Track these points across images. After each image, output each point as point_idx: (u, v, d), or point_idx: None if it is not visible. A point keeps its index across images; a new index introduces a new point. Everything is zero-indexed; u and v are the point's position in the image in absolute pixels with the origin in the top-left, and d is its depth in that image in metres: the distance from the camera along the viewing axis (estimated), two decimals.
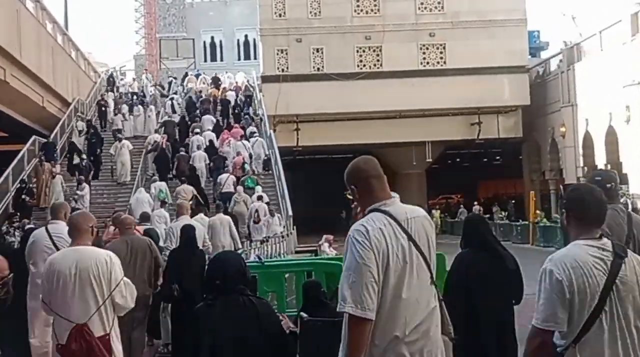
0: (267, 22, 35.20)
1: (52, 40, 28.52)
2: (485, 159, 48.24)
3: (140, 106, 29.90)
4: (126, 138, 25.76)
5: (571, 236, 3.45)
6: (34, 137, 25.63)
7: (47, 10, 28.25)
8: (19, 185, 21.80)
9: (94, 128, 27.49)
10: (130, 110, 29.44)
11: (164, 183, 21.18)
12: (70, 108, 29.79)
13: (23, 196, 20.90)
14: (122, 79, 38.62)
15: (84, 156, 24.17)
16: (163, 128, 26.37)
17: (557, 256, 3.38)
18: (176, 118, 28.31)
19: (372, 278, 3.35)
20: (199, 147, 23.93)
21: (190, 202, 18.79)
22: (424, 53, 35.00)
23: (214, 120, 27.75)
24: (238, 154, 23.62)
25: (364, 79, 34.13)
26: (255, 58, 56.28)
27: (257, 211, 18.67)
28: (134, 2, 70.03)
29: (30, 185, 22.57)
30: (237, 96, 31.32)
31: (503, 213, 30.19)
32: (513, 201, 39.19)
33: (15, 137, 28.40)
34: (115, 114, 28.87)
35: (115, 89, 34.62)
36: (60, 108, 29.70)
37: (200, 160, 23.11)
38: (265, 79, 34.80)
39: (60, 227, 6.66)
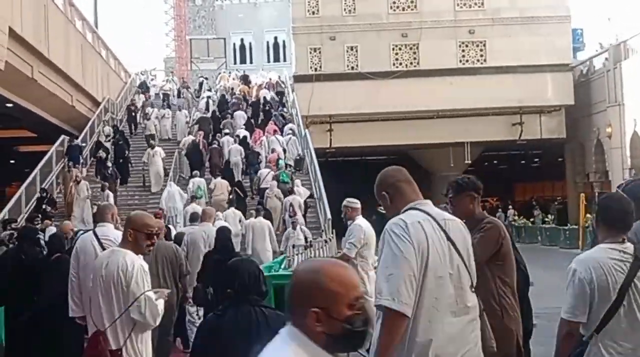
0: (300, 19, 34.02)
1: (81, 38, 27.62)
2: (523, 161, 46.65)
3: (168, 109, 28.84)
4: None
5: (598, 239, 3.71)
6: (62, 136, 24.75)
7: (76, 7, 27.33)
8: (39, 195, 20.30)
9: (121, 132, 26.42)
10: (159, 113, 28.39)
11: (203, 180, 20.21)
12: (100, 108, 29.01)
13: (44, 206, 19.37)
14: (152, 80, 37.66)
15: (110, 157, 23.06)
16: (198, 125, 25.20)
17: (582, 257, 3.67)
18: (209, 115, 27.34)
19: (411, 272, 3.19)
20: (234, 141, 23.35)
21: (230, 196, 19.33)
22: (463, 51, 33.59)
23: (246, 116, 26.90)
24: (273, 151, 22.75)
25: (400, 78, 32.77)
26: (285, 59, 55.85)
27: (291, 204, 18.05)
28: (163, 4, 69.99)
29: (53, 194, 21.48)
30: (269, 92, 30.38)
31: (549, 217, 28.36)
32: (559, 205, 37.33)
33: (44, 138, 27.49)
34: (148, 119, 27.48)
35: (146, 92, 33.52)
36: (90, 108, 28.89)
37: (235, 154, 22.46)
38: (298, 78, 33.62)
39: (108, 230, 6.39)
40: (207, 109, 28.57)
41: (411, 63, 33.58)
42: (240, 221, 16.77)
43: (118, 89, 33.43)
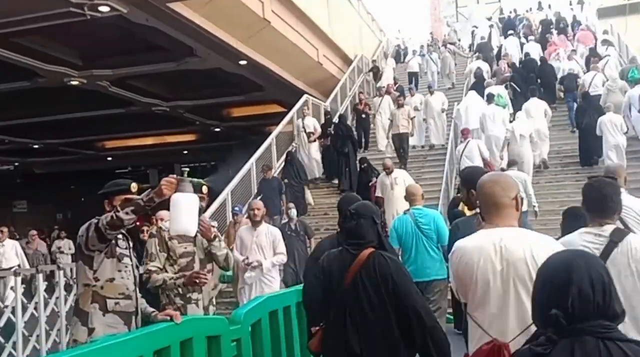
0: None
1: None
2: None
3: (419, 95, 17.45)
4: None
5: None
6: (305, 96, 17.37)
7: None
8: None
9: (341, 128, 15.72)
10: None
11: (502, 87, 15.30)
12: (352, 66, 21.44)
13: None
14: (405, 43, 28.98)
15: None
16: (478, 53, 20.03)
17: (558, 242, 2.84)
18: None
19: None
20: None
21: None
22: None
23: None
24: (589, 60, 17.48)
25: None
26: None
27: None
28: None
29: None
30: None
31: None
32: None
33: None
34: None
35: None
36: (340, 67, 21.46)
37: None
38: (604, 12, 23.36)
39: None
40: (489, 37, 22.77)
41: None
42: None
43: (372, 50, 25.66)
